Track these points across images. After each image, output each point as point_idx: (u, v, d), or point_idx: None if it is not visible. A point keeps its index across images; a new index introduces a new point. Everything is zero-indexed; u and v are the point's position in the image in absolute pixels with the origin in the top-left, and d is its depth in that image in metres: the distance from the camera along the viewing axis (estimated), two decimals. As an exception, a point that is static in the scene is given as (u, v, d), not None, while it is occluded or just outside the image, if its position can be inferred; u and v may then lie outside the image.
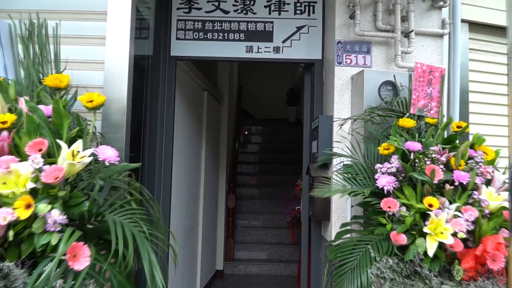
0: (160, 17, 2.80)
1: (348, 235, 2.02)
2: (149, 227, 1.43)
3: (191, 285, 4.09)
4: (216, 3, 2.87)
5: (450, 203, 1.73)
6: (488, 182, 1.83)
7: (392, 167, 1.82)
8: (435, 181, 1.74)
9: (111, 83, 1.98)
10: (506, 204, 1.66)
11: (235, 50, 2.84)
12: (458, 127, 2.11)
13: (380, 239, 1.78)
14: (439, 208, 1.68)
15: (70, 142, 1.39)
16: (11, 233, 1.12)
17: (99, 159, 1.36)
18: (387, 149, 1.90)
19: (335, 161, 2.44)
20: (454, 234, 1.60)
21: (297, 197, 4.45)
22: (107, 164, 1.37)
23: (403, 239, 1.65)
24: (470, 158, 1.92)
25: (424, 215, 1.68)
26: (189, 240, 3.92)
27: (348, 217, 2.38)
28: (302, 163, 2.98)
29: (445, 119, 2.50)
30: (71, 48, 1.95)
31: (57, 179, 1.22)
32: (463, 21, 2.77)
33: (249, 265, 5.43)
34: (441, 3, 2.56)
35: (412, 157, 1.84)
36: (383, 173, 1.84)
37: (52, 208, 1.18)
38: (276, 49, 2.85)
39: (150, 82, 2.75)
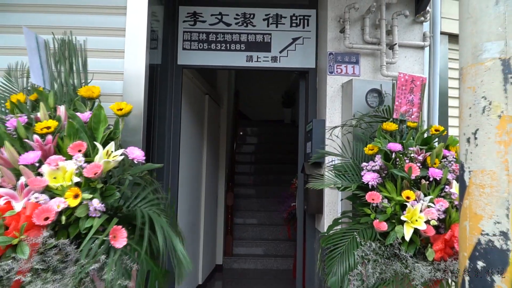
0: (168, 29, 3.07)
1: (338, 227, 2.29)
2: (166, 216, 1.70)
3: (194, 278, 4.36)
4: (219, 17, 3.14)
5: (425, 195, 2.01)
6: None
7: (376, 165, 2.10)
8: (413, 177, 2.02)
9: (129, 91, 2.23)
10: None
11: (237, 59, 3.12)
12: (436, 130, 2.40)
13: (365, 227, 2.06)
14: (415, 200, 1.97)
15: (102, 144, 1.65)
16: (63, 218, 1.38)
17: (129, 158, 1.63)
18: (372, 150, 2.18)
19: (327, 159, 2.72)
20: (427, 222, 1.88)
21: (293, 195, 4.73)
22: (136, 162, 1.63)
23: (384, 226, 1.93)
24: (444, 157, 2.21)
25: (403, 206, 1.97)
26: (192, 235, 4.19)
27: (338, 210, 2.66)
28: (298, 162, 3.26)
29: (425, 122, 2.81)
30: (94, 60, 2.20)
31: (96, 174, 1.49)
32: (443, 33, 3.07)
33: (247, 260, 5.71)
34: (422, 18, 2.85)
35: (393, 156, 2.12)
36: (368, 170, 2.12)
37: (92, 198, 1.44)
38: (274, 59, 3.13)
39: (159, 88, 3.01)
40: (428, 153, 2.16)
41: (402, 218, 1.89)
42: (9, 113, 1.80)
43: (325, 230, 2.37)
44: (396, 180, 2.06)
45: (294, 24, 3.15)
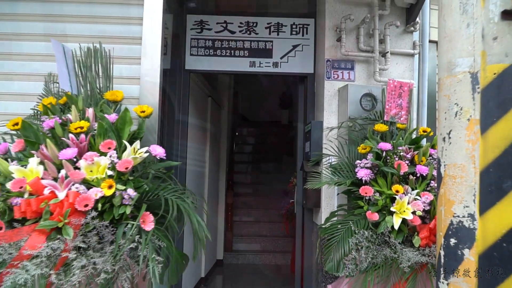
0: (177, 36, 3.29)
1: (335, 218, 2.53)
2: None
3: (197, 272, 4.58)
4: (224, 25, 3.37)
5: (413, 189, 2.25)
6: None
7: (368, 162, 2.34)
8: (401, 173, 2.26)
9: (145, 95, 2.45)
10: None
11: (240, 65, 3.35)
12: (424, 131, 2.64)
13: (359, 218, 2.29)
14: (404, 193, 2.21)
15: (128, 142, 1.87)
16: (99, 205, 1.61)
17: (152, 154, 1.85)
18: (365, 149, 2.42)
19: (325, 158, 2.95)
20: (414, 213, 2.13)
21: (291, 192, 4.97)
22: (158, 158, 1.86)
23: (376, 217, 2.16)
24: (431, 155, 2.45)
25: (392, 199, 2.21)
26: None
27: (335, 204, 2.90)
28: (296, 161, 3.49)
29: (414, 124, 3.05)
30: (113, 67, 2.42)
31: (127, 168, 1.71)
32: (431, 41, 3.32)
33: (247, 255, 5.95)
34: (412, 28, 3.10)
35: (384, 154, 2.36)
36: (361, 167, 2.36)
37: (126, 188, 1.67)
38: (275, 64, 3.37)
39: (168, 92, 3.23)
40: (416, 152, 2.40)
41: (392, 209, 2.13)
42: (42, 115, 2.01)
43: (323, 223, 2.61)
44: (387, 176, 2.30)
45: (294, 32, 3.39)
